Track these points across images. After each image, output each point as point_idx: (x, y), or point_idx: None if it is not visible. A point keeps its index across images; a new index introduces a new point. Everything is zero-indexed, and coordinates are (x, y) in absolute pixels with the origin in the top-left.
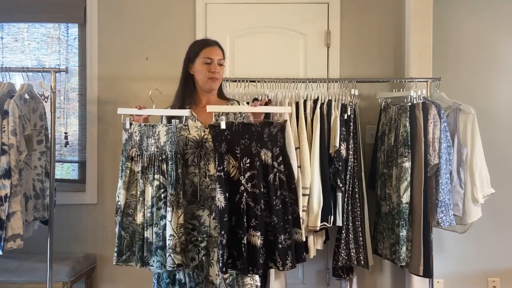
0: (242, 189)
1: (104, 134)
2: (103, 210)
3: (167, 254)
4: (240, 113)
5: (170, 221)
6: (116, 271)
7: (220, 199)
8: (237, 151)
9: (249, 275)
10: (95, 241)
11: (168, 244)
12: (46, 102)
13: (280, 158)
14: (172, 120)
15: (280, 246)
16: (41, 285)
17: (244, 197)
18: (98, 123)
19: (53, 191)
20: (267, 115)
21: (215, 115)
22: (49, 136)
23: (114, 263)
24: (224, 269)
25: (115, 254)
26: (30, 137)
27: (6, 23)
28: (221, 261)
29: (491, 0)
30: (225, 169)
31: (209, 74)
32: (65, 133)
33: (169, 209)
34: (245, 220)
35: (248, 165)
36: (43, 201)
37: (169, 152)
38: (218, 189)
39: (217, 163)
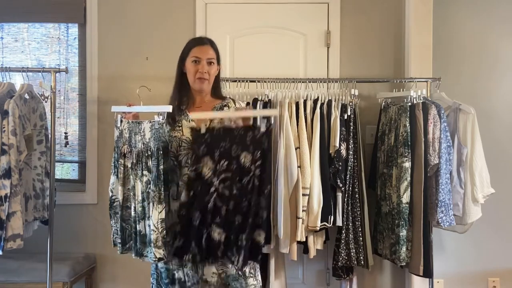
0: (213, 190)
1: (104, 134)
2: (103, 210)
3: (149, 248)
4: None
5: (151, 216)
6: (116, 271)
7: (183, 195)
8: (216, 154)
9: (251, 275)
10: (95, 241)
11: (150, 239)
12: (46, 102)
13: (259, 162)
14: (155, 116)
15: (239, 243)
16: (41, 285)
17: (213, 198)
18: (98, 123)
19: (53, 191)
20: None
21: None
22: (49, 136)
23: (119, 253)
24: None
25: (119, 245)
26: (30, 137)
27: (6, 23)
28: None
29: (492, 0)
30: (197, 170)
31: (197, 74)
32: (65, 133)
33: (150, 204)
34: (209, 218)
35: (225, 167)
36: (43, 201)
37: (153, 148)
38: (184, 187)
39: (191, 163)
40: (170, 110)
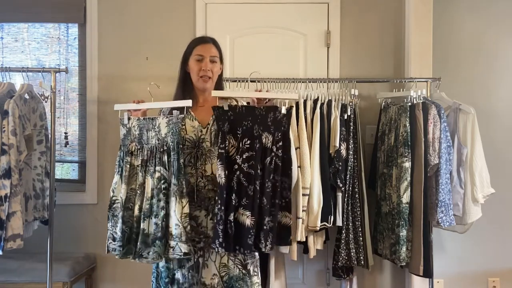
0: (236, 167)
1: (104, 134)
2: (103, 210)
3: (175, 243)
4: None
5: (175, 211)
6: (116, 271)
7: (221, 175)
8: (238, 132)
9: (255, 274)
10: (95, 241)
11: (175, 234)
12: (46, 102)
13: (280, 143)
14: (173, 111)
15: (264, 227)
16: (41, 285)
17: (236, 176)
18: (98, 123)
19: (53, 191)
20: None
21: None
22: (49, 136)
23: (118, 257)
24: (225, 245)
25: (120, 249)
26: (30, 137)
27: (6, 23)
28: (221, 236)
29: (491, 0)
30: (226, 147)
31: (200, 72)
32: (65, 133)
33: (172, 198)
34: (233, 198)
35: (248, 146)
36: (43, 201)
37: (171, 143)
38: (219, 166)
39: (219, 141)
40: (189, 104)
